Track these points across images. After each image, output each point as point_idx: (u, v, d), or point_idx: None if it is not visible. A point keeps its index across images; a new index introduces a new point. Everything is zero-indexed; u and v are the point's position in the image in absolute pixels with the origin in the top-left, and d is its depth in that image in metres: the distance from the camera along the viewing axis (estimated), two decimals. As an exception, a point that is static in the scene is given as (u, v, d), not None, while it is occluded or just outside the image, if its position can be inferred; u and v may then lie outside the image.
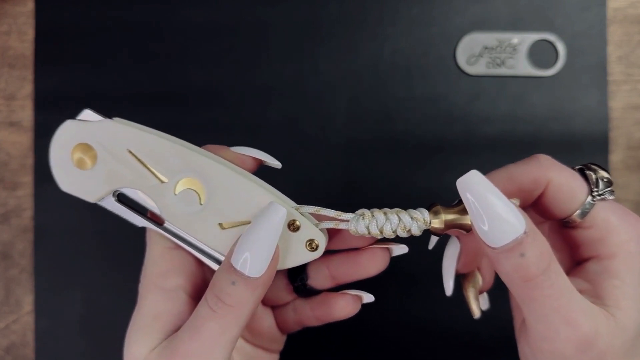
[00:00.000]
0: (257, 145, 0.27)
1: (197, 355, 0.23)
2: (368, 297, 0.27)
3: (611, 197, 0.24)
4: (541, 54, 0.41)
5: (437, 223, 0.24)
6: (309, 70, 0.41)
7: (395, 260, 0.41)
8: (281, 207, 0.23)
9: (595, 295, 0.24)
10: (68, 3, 0.42)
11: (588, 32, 0.41)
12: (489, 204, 0.21)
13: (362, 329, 0.41)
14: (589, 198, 0.24)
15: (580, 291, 0.23)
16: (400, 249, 0.26)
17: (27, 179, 0.41)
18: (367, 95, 0.41)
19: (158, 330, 0.24)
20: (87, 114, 0.25)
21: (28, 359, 0.41)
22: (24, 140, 0.42)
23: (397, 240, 0.25)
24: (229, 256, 0.23)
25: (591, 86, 0.41)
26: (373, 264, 0.26)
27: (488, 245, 0.22)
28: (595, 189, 0.24)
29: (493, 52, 0.41)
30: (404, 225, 0.24)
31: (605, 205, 0.24)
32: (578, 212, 0.24)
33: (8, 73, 0.42)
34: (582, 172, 0.25)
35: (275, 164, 0.26)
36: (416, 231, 0.24)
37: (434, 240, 0.26)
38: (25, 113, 0.42)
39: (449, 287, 0.27)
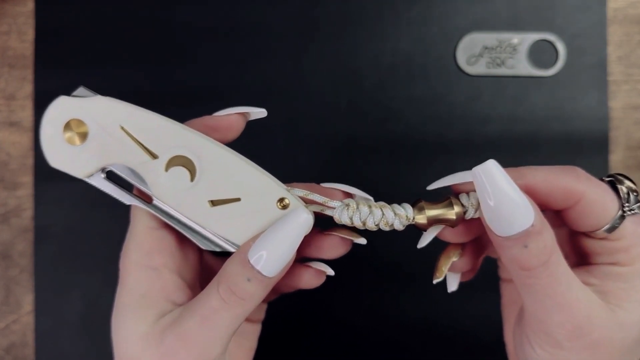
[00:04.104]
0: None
1: (206, 342, 0.23)
2: (330, 272, 0.27)
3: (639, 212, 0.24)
4: (541, 54, 0.41)
5: (421, 219, 0.24)
6: (309, 70, 0.41)
7: (394, 260, 0.41)
8: (306, 212, 0.24)
9: (600, 291, 0.24)
10: (68, 3, 0.42)
11: (588, 32, 0.41)
12: (501, 191, 0.21)
13: (362, 329, 0.41)
14: (619, 213, 0.24)
15: (586, 284, 0.24)
16: (360, 241, 0.26)
17: (27, 179, 0.41)
18: (367, 95, 0.41)
19: (148, 308, 0.24)
20: (81, 91, 0.25)
21: (28, 359, 0.41)
22: (24, 140, 0.42)
23: (381, 233, 0.25)
24: (245, 249, 0.23)
25: (591, 86, 0.41)
26: (334, 250, 0.26)
27: (494, 233, 0.22)
28: (627, 204, 0.24)
29: (493, 52, 0.41)
30: (387, 221, 0.24)
31: (632, 219, 0.24)
32: (607, 227, 0.24)
33: (8, 73, 0.42)
34: (611, 185, 0.24)
35: (259, 110, 0.26)
36: (399, 226, 0.24)
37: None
38: (25, 113, 0.42)
39: (422, 243, 0.26)
